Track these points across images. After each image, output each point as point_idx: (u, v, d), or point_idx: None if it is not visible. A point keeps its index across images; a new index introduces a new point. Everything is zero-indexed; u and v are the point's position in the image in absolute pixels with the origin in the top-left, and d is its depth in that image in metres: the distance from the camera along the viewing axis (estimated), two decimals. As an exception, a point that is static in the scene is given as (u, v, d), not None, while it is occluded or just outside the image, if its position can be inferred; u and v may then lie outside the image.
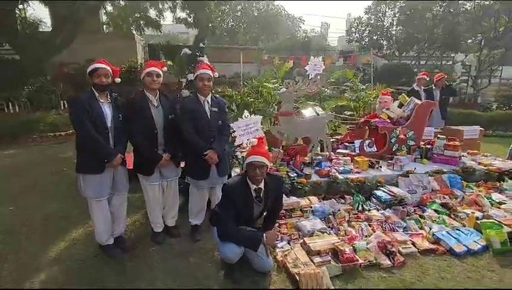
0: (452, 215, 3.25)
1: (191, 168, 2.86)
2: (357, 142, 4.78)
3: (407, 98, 4.94)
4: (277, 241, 2.77)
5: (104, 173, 2.49)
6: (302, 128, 4.44)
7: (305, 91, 4.52)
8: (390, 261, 2.50)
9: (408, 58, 15.38)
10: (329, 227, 3.01)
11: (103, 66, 2.47)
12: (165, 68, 2.78)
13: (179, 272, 2.46)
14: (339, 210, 3.20)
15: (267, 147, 2.63)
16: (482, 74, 13.30)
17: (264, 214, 2.41)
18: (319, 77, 4.54)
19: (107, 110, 2.51)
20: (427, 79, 5.98)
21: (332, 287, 2.20)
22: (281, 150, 4.08)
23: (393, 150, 4.58)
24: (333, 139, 5.18)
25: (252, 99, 5.31)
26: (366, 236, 2.84)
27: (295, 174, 3.75)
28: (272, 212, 2.47)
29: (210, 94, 2.82)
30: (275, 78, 5.37)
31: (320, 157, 4.30)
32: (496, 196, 3.63)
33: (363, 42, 16.08)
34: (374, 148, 4.71)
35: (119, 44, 12.20)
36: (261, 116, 3.28)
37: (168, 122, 2.75)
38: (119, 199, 2.71)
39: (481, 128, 5.35)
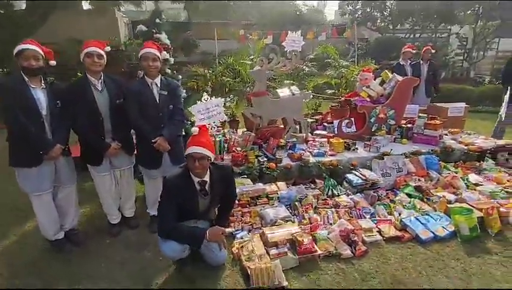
0: (425, 199, 3.11)
1: (141, 156, 2.67)
2: (336, 123, 4.58)
3: (389, 74, 4.67)
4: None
5: (42, 166, 2.29)
6: (276, 109, 4.21)
7: (279, 69, 4.25)
8: (352, 251, 2.37)
9: (402, 31, 14.78)
10: (294, 214, 2.88)
11: (31, 47, 2.20)
12: (108, 48, 2.50)
13: (129, 266, 2.34)
14: (306, 196, 3.05)
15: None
16: (477, 47, 12.88)
17: (214, 207, 2.25)
18: (294, 54, 4.25)
19: (41, 97, 2.27)
20: (413, 52, 5.66)
21: (285, 282, 2.08)
22: (252, 133, 3.87)
23: (372, 130, 4.39)
24: (312, 120, 4.98)
25: (227, 79, 5.02)
26: (330, 224, 2.71)
27: (265, 159, 3.58)
28: (224, 204, 2.31)
29: (159, 76, 2.57)
30: (251, 55, 5.05)
31: (295, 139, 4.11)
32: (473, 178, 3.48)
33: (356, 15, 15.39)
34: (353, 129, 4.51)
35: (100, 21, 11.58)
36: (223, 99, 3.04)
37: (116, 108, 2.51)
38: (65, 192, 2.53)
39: (466, 105, 5.12)
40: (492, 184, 3.38)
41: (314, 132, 4.60)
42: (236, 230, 2.68)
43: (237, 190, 3.00)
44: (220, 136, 4.07)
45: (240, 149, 3.51)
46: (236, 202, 2.96)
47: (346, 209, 2.92)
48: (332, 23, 19.36)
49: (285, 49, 4.44)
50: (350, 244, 2.43)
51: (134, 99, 2.47)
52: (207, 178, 2.04)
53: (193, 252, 2.25)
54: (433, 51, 5.59)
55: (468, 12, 12.34)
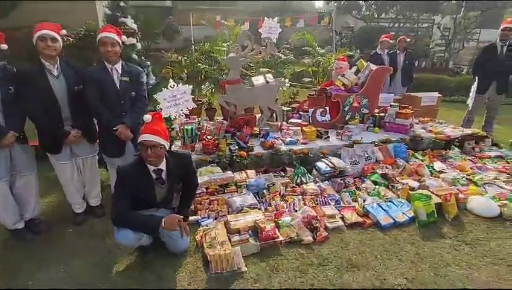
0: (390, 186, 3.20)
1: (104, 145, 2.61)
2: (311, 111, 4.60)
3: (364, 63, 4.70)
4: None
5: (-5, 154, 2.21)
6: (251, 97, 4.19)
7: (254, 56, 4.20)
8: (313, 237, 2.43)
9: (387, 20, 14.82)
10: (261, 202, 2.91)
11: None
12: (64, 31, 2.40)
13: (90, 255, 2.32)
14: (274, 184, 3.07)
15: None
16: (460, 38, 13.07)
17: (174, 195, 2.24)
18: (268, 41, 4.20)
19: (-8, 82, 2.17)
20: (391, 42, 5.70)
21: (245, 268, 2.11)
22: (225, 121, 3.84)
23: (346, 118, 4.44)
24: (288, 108, 4.98)
25: (203, 66, 4.93)
26: (296, 211, 2.75)
27: (237, 147, 3.57)
28: (185, 192, 2.30)
29: (120, 62, 2.49)
30: (227, 42, 4.96)
31: (269, 128, 4.11)
32: (438, 165, 3.59)
33: (342, 3, 15.30)
34: (327, 117, 4.55)
35: (76, 3, 11.08)
36: (190, 86, 2.98)
37: (74, 94, 2.43)
38: (23, 181, 2.46)
39: (439, 95, 5.23)
40: (455, 171, 3.50)
41: (289, 120, 4.62)
42: (203, 218, 2.69)
43: (206, 178, 3.04)
44: (195, 124, 4.04)
45: (210, 137, 3.48)
46: (204, 190, 2.98)
47: (313, 196, 2.97)
48: (320, 11, 19.20)
49: (262, 36, 4.39)
50: (312, 230, 2.49)
51: (93, 85, 2.40)
52: (163, 166, 2.02)
53: (155, 240, 2.26)
54: (408, 40, 5.62)
55: (453, 2, 12.43)
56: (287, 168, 3.47)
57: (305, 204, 2.82)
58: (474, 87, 4.70)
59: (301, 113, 4.82)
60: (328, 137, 3.97)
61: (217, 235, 2.36)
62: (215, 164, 3.30)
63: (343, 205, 2.88)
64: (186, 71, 4.94)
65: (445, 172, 3.46)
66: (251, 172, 3.28)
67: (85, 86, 2.41)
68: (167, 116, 2.93)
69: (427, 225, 2.62)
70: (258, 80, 4.30)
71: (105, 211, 2.89)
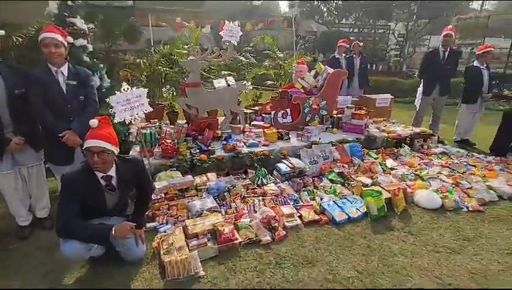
0: (345, 184, 3.36)
1: (50, 152, 2.46)
2: (273, 113, 4.69)
3: (322, 67, 4.89)
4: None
5: None
6: (212, 100, 4.18)
7: (214, 59, 4.20)
8: (272, 236, 2.48)
9: (347, 25, 15.56)
10: (222, 205, 2.91)
11: None
12: (2, 32, 2.23)
13: (35, 270, 2.17)
14: (234, 186, 3.09)
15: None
16: (412, 43, 14.06)
17: (127, 202, 2.17)
18: (228, 44, 4.22)
19: None
20: (347, 46, 5.99)
21: (202, 272, 2.10)
22: (185, 125, 3.79)
23: (306, 120, 4.59)
24: (251, 111, 5.03)
25: (163, 68, 4.82)
26: (255, 212, 2.79)
27: (198, 151, 3.54)
28: (139, 199, 2.24)
29: (66, 64, 2.37)
30: (188, 44, 4.91)
31: (231, 131, 4.13)
32: (390, 162, 3.84)
33: (304, 8, 15.82)
34: (289, 119, 4.66)
35: (30, 2, 10.33)
36: (145, 89, 2.91)
37: (16, 99, 2.27)
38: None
39: (392, 97, 5.59)
40: (405, 168, 3.76)
41: (252, 123, 4.67)
42: (161, 224, 2.63)
43: (164, 183, 2.98)
44: (155, 128, 3.94)
45: (170, 141, 3.42)
46: (163, 195, 2.92)
47: (273, 197, 3.03)
48: (285, 15, 19.62)
49: (223, 40, 4.40)
50: (271, 230, 2.54)
51: (36, 89, 2.25)
52: (113, 173, 1.95)
53: (108, 250, 2.17)
54: (361, 44, 5.95)
55: (406, 11, 13.34)
56: (249, 170, 3.51)
57: (265, 205, 2.87)
58: (420, 89, 5.09)
59: (264, 115, 4.89)
60: (289, 138, 4.07)
61: (175, 241, 2.32)
62: (175, 168, 3.25)
63: (302, 204, 2.97)
64: (145, 74, 4.80)
65: (396, 169, 3.70)
66: (212, 175, 3.27)
67: (28, 89, 2.26)
68: (121, 121, 2.82)
69: (378, 218, 2.78)
70: (220, 83, 4.31)
71: (55, 222, 2.71)
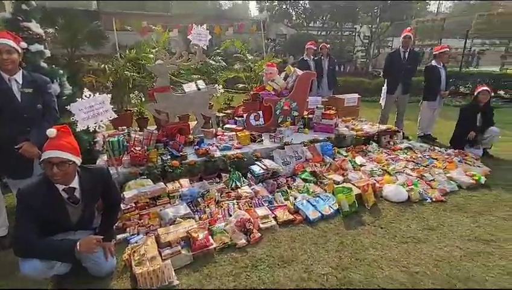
0: (318, 183, 3.43)
1: (6, 165, 2.29)
2: (245, 116, 4.70)
3: (292, 69, 4.98)
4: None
5: None
6: (182, 105, 4.11)
7: (182, 63, 4.13)
8: (247, 239, 2.47)
9: (315, 28, 16.00)
10: (196, 211, 2.86)
11: None
12: None
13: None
14: (208, 191, 3.05)
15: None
16: (378, 45, 14.75)
17: (92, 214, 2.07)
18: (196, 47, 4.18)
19: None
20: (315, 48, 6.15)
21: (176, 281, 2.04)
22: (154, 131, 3.69)
23: (278, 122, 4.64)
24: (223, 114, 5.01)
25: (130, 73, 4.67)
26: (230, 216, 2.76)
27: (169, 157, 3.46)
28: (106, 210, 2.14)
29: (20, 71, 2.22)
30: (155, 48, 4.80)
31: (203, 135, 4.08)
32: (359, 159, 3.97)
33: (273, 11, 16.07)
34: (261, 121, 4.69)
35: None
36: (109, 95, 2.80)
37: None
38: None
39: (359, 96, 5.80)
40: (373, 164, 3.91)
41: (225, 126, 4.65)
42: (132, 235, 2.53)
43: (135, 192, 2.87)
44: (123, 135, 3.80)
45: (139, 149, 3.31)
46: (133, 204, 2.81)
47: (247, 199, 3.02)
48: (254, 19, 19.79)
49: (191, 43, 4.35)
50: (246, 233, 2.53)
51: (-14, 98, 2.09)
52: (75, 184, 1.85)
53: (75, 266, 2.05)
54: (328, 46, 6.14)
55: (370, 14, 13.96)
56: (222, 174, 3.48)
57: (239, 208, 2.86)
58: (384, 88, 5.34)
59: (236, 118, 4.89)
60: (262, 140, 4.09)
61: (147, 251, 2.24)
62: (146, 176, 3.15)
63: (276, 204, 2.99)
64: (111, 80, 4.62)
65: (365, 165, 3.84)
66: (185, 181, 3.20)
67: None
68: (85, 129, 2.69)
69: (350, 214, 2.87)
70: (190, 87, 4.25)
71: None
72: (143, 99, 4.72)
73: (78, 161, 1.83)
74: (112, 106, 2.85)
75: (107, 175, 2.03)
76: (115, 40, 5.73)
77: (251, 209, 2.81)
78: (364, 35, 15.14)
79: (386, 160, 4.05)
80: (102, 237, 1.88)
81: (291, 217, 2.78)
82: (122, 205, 2.75)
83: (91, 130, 2.72)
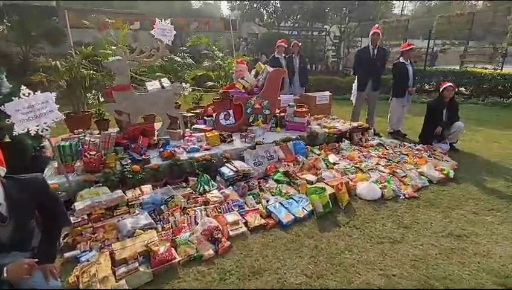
0: (291, 183, 3.28)
1: None
2: (215, 116, 4.47)
3: (262, 66, 4.81)
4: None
5: None
6: (144, 104, 3.81)
7: (143, 60, 3.82)
8: (215, 249, 2.25)
9: (286, 28, 16.03)
10: (159, 220, 2.59)
11: None
12: None
13: None
14: (173, 197, 2.79)
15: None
16: (345, 45, 15.04)
17: (27, 232, 1.75)
18: (159, 43, 3.88)
19: None
20: (286, 46, 6.04)
21: (132, 303, 1.78)
22: (113, 133, 3.36)
23: (250, 120, 4.46)
24: (191, 114, 4.74)
25: (87, 71, 4.27)
26: (197, 223, 2.53)
27: (130, 161, 3.15)
28: (47, 225, 1.83)
29: None
30: (115, 44, 4.42)
31: (168, 137, 3.79)
32: (332, 157, 3.88)
33: (245, 10, 15.91)
34: (232, 121, 4.48)
35: None
36: (54, 93, 2.46)
37: None
38: None
39: (330, 94, 5.76)
40: (346, 162, 3.84)
41: (193, 127, 4.39)
42: (83, 252, 2.23)
43: (88, 202, 2.55)
44: (79, 139, 3.42)
45: (94, 153, 2.98)
46: (86, 217, 2.49)
47: (216, 204, 2.80)
48: (224, 17, 19.51)
49: (153, 38, 4.05)
50: (214, 242, 2.31)
51: None
52: (0, 199, 1.54)
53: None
54: (300, 44, 6.06)
55: (339, 14, 14.22)
56: (190, 178, 3.23)
57: (207, 215, 2.63)
58: (355, 85, 5.33)
59: (206, 118, 4.64)
60: (232, 141, 3.89)
61: (98, 270, 1.96)
62: (102, 184, 2.83)
63: (248, 209, 2.80)
64: (65, 78, 4.19)
65: (338, 163, 3.75)
66: (147, 188, 2.92)
67: None
68: (24, 132, 2.33)
69: (325, 215, 2.74)
70: (153, 85, 3.95)
71: None
72: (101, 99, 4.33)
73: (3, 171, 1.52)
74: (58, 106, 2.50)
75: (41, 184, 1.72)
76: (69, 36, 5.23)
77: (220, 216, 2.60)
78: (334, 35, 15.41)
79: (359, 157, 4.00)
80: (36, 260, 1.57)
81: (263, 221, 2.60)
82: (72, 218, 2.44)
83: (33, 134, 2.36)
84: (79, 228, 2.41)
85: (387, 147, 4.44)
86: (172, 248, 2.18)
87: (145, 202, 2.71)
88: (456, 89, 4.67)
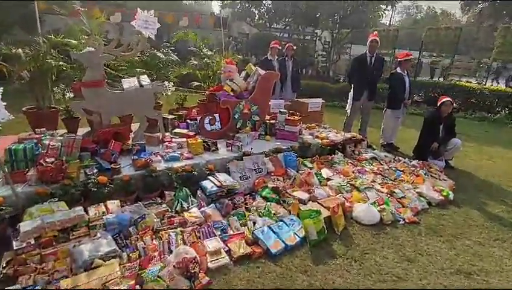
0: (281, 201, 2.93)
1: None
2: (199, 119, 4.07)
3: (253, 68, 4.45)
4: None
5: None
6: (119, 104, 3.36)
7: (120, 53, 3.38)
8: (190, 287, 1.87)
9: (278, 30, 15.74)
10: (125, 246, 2.18)
11: None
12: None
13: None
14: (144, 217, 2.38)
15: None
16: (336, 50, 14.93)
17: None
18: (139, 35, 3.46)
19: None
20: (279, 48, 5.71)
21: None
22: (77, 136, 2.90)
23: (237, 126, 4.09)
24: (173, 116, 4.31)
25: (55, 62, 3.76)
26: (171, 251, 2.14)
27: (96, 170, 2.71)
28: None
29: None
30: (88, 34, 3.94)
31: (144, 142, 3.36)
32: (325, 172, 3.58)
33: (236, 9, 15.50)
34: (217, 126, 4.10)
35: None
36: (0, 88, 2.00)
37: None
38: None
39: (323, 101, 5.48)
40: (340, 177, 3.54)
41: (174, 131, 3.97)
42: (24, 288, 1.79)
43: (37, 222, 2.11)
44: (35, 141, 2.93)
45: (51, 160, 2.51)
46: (33, 241, 2.05)
47: (195, 226, 2.42)
48: (215, 14, 19.01)
49: (133, 30, 3.62)
50: (190, 277, 1.93)
51: None
52: None
53: None
54: (294, 48, 5.75)
55: (331, 20, 14.05)
56: (166, 192, 2.82)
57: (183, 241, 2.24)
58: (351, 94, 5.06)
59: (189, 121, 4.23)
60: (217, 149, 3.50)
61: (38, 319, 1.54)
62: (58, 198, 2.38)
63: (231, 233, 2.43)
64: (28, 68, 3.68)
65: (332, 179, 3.45)
66: (113, 204, 2.49)
67: None
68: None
69: (318, 243, 2.41)
70: (130, 83, 3.51)
71: None
72: (70, 95, 3.84)
73: None
74: (5, 103, 2.05)
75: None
76: (59, 24, 4.67)
77: (198, 242, 2.21)
78: (325, 40, 15.25)
79: (353, 172, 3.71)
80: None
81: (248, 250, 2.24)
82: (15, 243, 1.99)
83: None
84: (23, 256, 1.96)
85: (381, 162, 4.18)
86: (137, 286, 1.78)
87: (109, 222, 2.28)
88: (454, 104, 4.47)
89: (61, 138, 2.92)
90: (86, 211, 2.34)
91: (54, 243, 2.10)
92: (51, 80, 3.84)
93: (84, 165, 2.75)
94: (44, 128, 3.47)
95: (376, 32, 5.10)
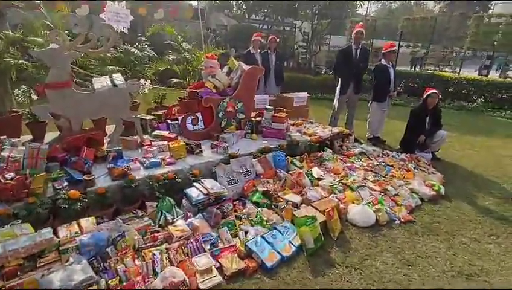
0: (273, 206, 2.77)
1: None
2: (180, 119, 3.80)
3: (236, 62, 4.21)
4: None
5: None
6: (90, 106, 3.04)
7: (87, 50, 3.05)
8: (180, 314, 1.67)
9: (257, 21, 15.40)
10: (102, 270, 1.93)
11: None
12: None
13: None
14: (123, 235, 2.13)
15: None
16: (315, 41, 14.82)
17: None
18: (110, 29, 3.13)
19: None
20: (262, 41, 5.48)
21: None
22: (42, 145, 2.58)
23: (222, 126, 3.86)
24: (152, 117, 4.01)
25: (14, 61, 3.36)
26: (156, 274, 1.92)
27: (67, 183, 2.42)
28: None
29: None
30: (51, 29, 3.54)
31: (120, 147, 3.06)
32: (316, 171, 3.44)
33: (213, 2, 15.00)
34: (200, 125, 3.86)
35: None
36: None
37: None
38: None
39: (308, 95, 5.34)
40: (331, 176, 3.42)
41: (154, 133, 3.68)
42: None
43: (-3, 251, 1.81)
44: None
45: (11, 176, 2.20)
46: (-8, 274, 1.76)
47: (182, 241, 2.20)
48: (192, 5, 18.35)
49: (103, 23, 3.28)
50: (179, 303, 1.73)
51: None
52: None
53: None
54: (278, 40, 5.54)
55: (309, 11, 13.89)
56: (147, 203, 2.57)
57: (169, 260, 2.02)
58: (338, 88, 4.94)
59: (169, 121, 3.96)
60: (201, 151, 3.27)
61: None
62: (22, 219, 2.08)
63: (222, 246, 2.24)
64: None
65: (323, 178, 3.32)
66: (89, 221, 2.22)
67: None
68: None
69: (315, 251, 2.27)
70: (102, 83, 3.18)
71: None
72: (34, 97, 3.46)
73: None
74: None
75: None
76: (23, 19, 4.16)
77: (186, 261, 2.00)
78: (304, 31, 15.10)
79: (344, 169, 3.61)
80: None
81: (242, 265, 2.06)
82: (-31, 278, 1.70)
83: None
84: (-20, 292, 1.69)
85: (370, 157, 4.11)
86: (118, 322, 1.56)
87: (84, 243, 2.02)
88: (440, 96, 4.46)
89: (24, 147, 2.59)
90: (56, 233, 2.06)
91: (19, 273, 1.82)
92: (10, 81, 3.43)
93: (52, 178, 2.44)
94: (5, 137, 3.09)
95: (362, 23, 4.97)
